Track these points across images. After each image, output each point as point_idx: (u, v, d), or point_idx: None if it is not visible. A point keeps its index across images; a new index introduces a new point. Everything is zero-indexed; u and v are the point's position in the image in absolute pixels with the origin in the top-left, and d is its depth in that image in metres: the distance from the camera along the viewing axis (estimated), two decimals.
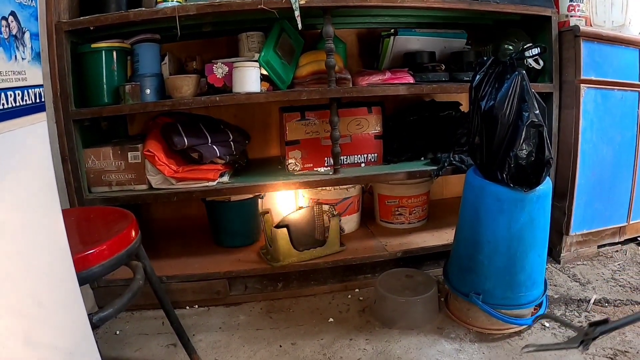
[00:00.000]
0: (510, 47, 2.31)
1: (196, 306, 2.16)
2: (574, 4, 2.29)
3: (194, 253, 2.33)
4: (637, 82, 2.30)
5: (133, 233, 1.51)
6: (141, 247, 1.59)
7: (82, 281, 1.24)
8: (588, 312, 2.00)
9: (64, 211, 1.66)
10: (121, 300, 1.39)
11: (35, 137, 0.95)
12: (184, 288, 2.13)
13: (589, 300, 2.07)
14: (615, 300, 2.06)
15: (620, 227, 2.49)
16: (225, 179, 2.16)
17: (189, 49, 2.46)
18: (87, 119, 2.08)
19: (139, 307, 2.13)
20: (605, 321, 1.49)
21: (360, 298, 2.19)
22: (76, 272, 1.09)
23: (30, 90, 0.93)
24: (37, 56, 0.96)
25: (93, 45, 2.02)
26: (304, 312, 2.10)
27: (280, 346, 1.87)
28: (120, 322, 2.07)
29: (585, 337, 1.45)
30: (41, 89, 0.97)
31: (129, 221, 1.53)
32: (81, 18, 1.99)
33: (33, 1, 0.96)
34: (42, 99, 0.97)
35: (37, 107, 0.95)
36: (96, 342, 1.17)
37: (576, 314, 1.99)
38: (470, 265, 1.90)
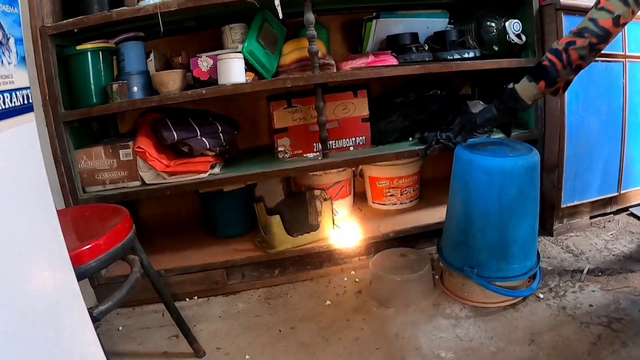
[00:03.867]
0: (492, 24, 2.32)
1: (196, 297, 2.20)
2: None
3: (191, 246, 2.36)
4: (621, 53, 2.30)
5: (127, 227, 1.55)
6: (136, 241, 1.63)
7: (79, 276, 1.26)
8: (582, 282, 2.01)
9: (59, 211, 1.70)
10: (120, 292, 1.43)
11: (25, 137, 0.97)
12: (182, 280, 2.16)
13: (583, 271, 2.08)
14: (609, 269, 2.07)
15: (612, 197, 2.50)
16: (217, 170, 2.18)
17: (173, 44, 2.48)
18: (77, 120, 2.10)
19: (140, 302, 2.17)
20: None
21: (357, 280, 2.22)
22: (73, 268, 1.12)
23: (17, 93, 0.95)
24: (22, 60, 0.99)
25: (78, 47, 2.04)
26: (302, 297, 2.13)
27: (280, 331, 1.90)
28: (122, 318, 2.11)
29: None
30: (28, 91, 0.99)
31: (122, 216, 1.56)
32: (65, 21, 2.00)
33: (15, 8, 0.98)
34: (30, 101, 1.00)
35: (25, 109, 0.97)
36: (99, 337, 1.20)
37: (570, 284, 2.00)
38: (463, 240, 1.93)
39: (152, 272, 1.71)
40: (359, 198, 2.75)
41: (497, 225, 1.84)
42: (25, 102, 0.98)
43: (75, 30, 2.02)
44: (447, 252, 2.03)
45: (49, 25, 1.98)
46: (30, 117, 0.99)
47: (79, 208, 1.90)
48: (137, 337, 1.97)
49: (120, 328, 2.04)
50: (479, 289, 1.90)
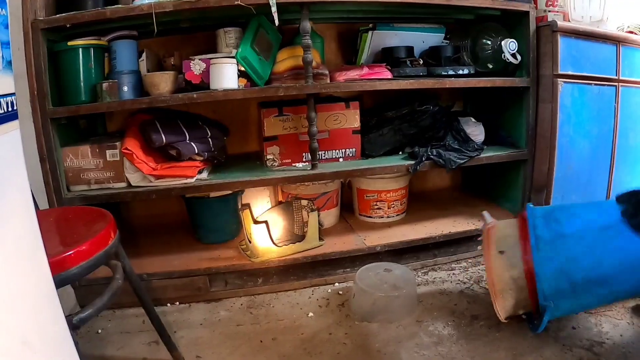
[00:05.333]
0: (488, 42, 2.33)
1: (177, 303, 2.17)
2: None
3: (175, 250, 2.32)
4: (615, 77, 2.32)
5: (111, 233, 1.51)
6: (120, 247, 1.59)
7: (60, 283, 1.23)
8: None
9: (41, 212, 1.68)
10: (101, 300, 1.39)
11: (7, 147, 0.94)
12: (165, 285, 2.13)
13: None
14: None
15: None
16: (204, 175, 2.16)
17: (167, 44, 2.45)
18: (65, 118, 2.07)
19: (120, 306, 2.13)
20: None
21: (340, 292, 2.21)
22: (54, 275, 1.08)
23: (2, 100, 0.92)
24: (8, 65, 0.95)
25: (70, 43, 2.00)
26: (284, 307, 2.11)
27: (261, 341, 1.87)
28: (102, 321, 2.07)
29: None
30: (13, 97, 0.96)
31: (107, 221, 1.52)
32: (57, 16, 1.97)
33: (3, 9, 0.94)
34: (15, 107, 0.96)
35: (9, 116, 0.94)
36: (77, 342, 1.17)
37: None
38: None
39: (134, 279, 1.67)
40: (346, 209, 2.73)
41: None
42: (10, 109, 0.94)
43: (68, 26, 1.98)
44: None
45: (42, 19, 1.94)
46: (14, 125, 0.95)
47: (63, 210, 1.87)
48: (116, 342, 1.93)
49: (100, 331, 2.01)
50: None
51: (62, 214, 1.71)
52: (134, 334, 1.97)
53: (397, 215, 2.60)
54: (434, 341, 1.83)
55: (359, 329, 1.94)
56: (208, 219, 2.37)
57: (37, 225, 1.01)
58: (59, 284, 1.19)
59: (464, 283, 2.24)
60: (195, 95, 2.02)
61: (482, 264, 2.40)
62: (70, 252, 1.30)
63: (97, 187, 2.10)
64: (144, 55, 2.23)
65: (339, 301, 2.14)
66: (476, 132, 2.45)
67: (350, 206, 2.73)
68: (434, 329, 1.91)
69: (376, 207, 2.55)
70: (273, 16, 1.97)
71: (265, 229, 2.15)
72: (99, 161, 2.08)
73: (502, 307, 1.82)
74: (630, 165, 2.48)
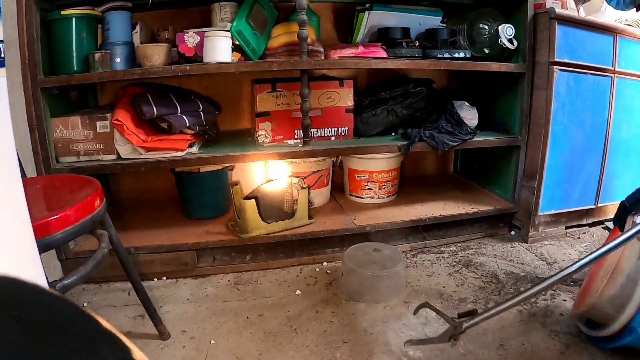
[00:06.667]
0: (485, 27, 2.31)
1: (164, 278, 2.16)
2: None
3: (163, 225, 2.30)
4: (611, 68, 2.31)
5: (98, 200, 1.48)
6: (106, 215, 1.57)
7: (44, 247, 1.22)
8: (554, 290, 2.02)
9: (28, 179, 1.65)
10: (85, 268, 1.37)
11: None
12: (152, 260, 2.11)
13: None
14: (581, 280, 2.06)
15: (588, 210, 2.53)
16: (195, 149, 2.14)
17: (161, 18, 2.41)
18: (56, 87, 2.04)
19: (107, 279, 2.11)
20: (473, 312, 1.50)
21: (328, 271, 2.20)
22: (38, 239, 1.07)
23: None
24: None
25: (63, 12, 1.97)
26: (272, 285, 2.11)
27: (247, 317, 1.87)
28: (87, 294, 2.06)
29: (454, 331, 1.47)
30: (1, 45, 0.94)
31: (94, 188, 1.50)
32: None
33: None
34: (2, 55, 0.94)
35: None
36: None
37: (542, 293, 2.01)
38: None
39: (120, 249, 1.66)
40: (337, 189, 2.72)
41: None
42: None
43: None
44: None
45: None
46: (1, 72, 0.94)
47: (50, 177, 1.85)
48: (101, 315, 1.81)
49: (85, 304, 1.99)
50: None
51: (50, 181, 1.69)
52: (119, 308, 1.97)
53: (387, 196, 2.59)
54: (421, 322, 1.83)
55: (347, 307, 1.93)
56: (198, 194, 2.35)
57: (21, 186, 0.99)
58: (42, 248, 1.18)
59: (453, 266, 2.23)
60: (187, 67, 1.99)
61: (472, 248, 2.41)
62: (55, 217, 1.29)
63: (87, 158, 2.07)
64: (137, 27, 2.20)
65: (327, 280, 2.13)
66: (470, 116, 2.44)
67: (341, 186, 2.72)
68: (422, 310, 1.90)
69: (367, 187, 2.54)
70: None
71: (255, 205, 2.13)
72: (89, 132, 2.06)
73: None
74: (622, 156, 2.48)
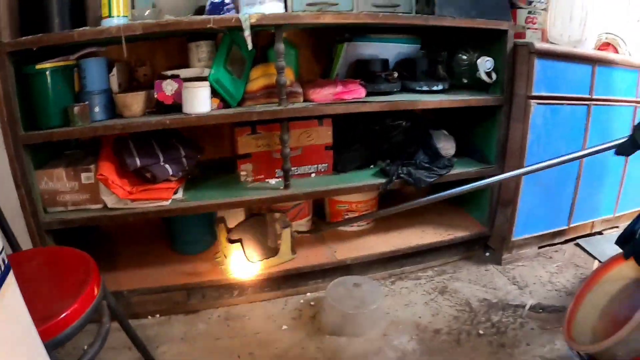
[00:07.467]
0: (464, 57, 2.30)
1: (157, 315, 2.25)
2: (532, 16, 2.29)
3: (152, 262, 2.38)
4: (587, 96, 2.33)
5: (97, 281, 1.51)
6: (105, 288, 1.60)
7: (54, 347, 1.26)
8: (523, 318, 2.15)
9: (21, 255, 1.67)
10: (93, 348, 1.45)
11: None
12: (144, 300, 2.21)
13: (525, 307, 2.21)
14: (550, 307, 2.20)
15: (561, 230, 2.62)
16: (179, 195, 2.20)
17: (138, 51, 2.38)
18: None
19: None
20: None
21: (312, 303, 2.32)
22: (46, 342, 1.09)
23: None
24: None
25: (37, 66, 1.95)
26: (260, 319, 2.22)
27: (239, 357, 1.99)
28: (88, 337, 2.12)
29: None
30: None
31: (90, 270, 1.51)
32: (24, 38, 1.90)
33: None
34: None
35: None
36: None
37: (511, 320, 2.14)
38: None
39: (119, 315, 1.73)
40: (318, 213, 2.77)
41: None
42: None
43: (34, 49, 1.93)
44: None
45: (7, 41, 1.87)
46: None
47: (41, 253, 1.83)
48: (102, 358, 2.00)
49: (86, 347, 2.08)
50: None
51: (42, 260, 1.66)
52: (120, 350, 2.03)
53: (367, 224, 2.68)
54: (398, 356, 1.97)
55: (330, 342, 2.06)
56: (184, 231, 2.43)
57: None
58: (51, 348, 1.21)
59: (429, 294, 2.36)
60: (168, 122, 2.01)
61: (448, 273, 2.53)
62: (61, 317, 1.32)
63: (74, 208, 2.12)
64: (114, 70, 2.18)
65: (311, 312, 2.25)
66: (447, 146, 2.48)
67: (322, 210, 2.76)
68: (398, 344, 2.04)
69: (347, 216, 2.61)
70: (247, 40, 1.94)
71: (240, 248, 2.22)
72: (74, 184, 2.09)
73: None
74: (596, 178, 2.54)
